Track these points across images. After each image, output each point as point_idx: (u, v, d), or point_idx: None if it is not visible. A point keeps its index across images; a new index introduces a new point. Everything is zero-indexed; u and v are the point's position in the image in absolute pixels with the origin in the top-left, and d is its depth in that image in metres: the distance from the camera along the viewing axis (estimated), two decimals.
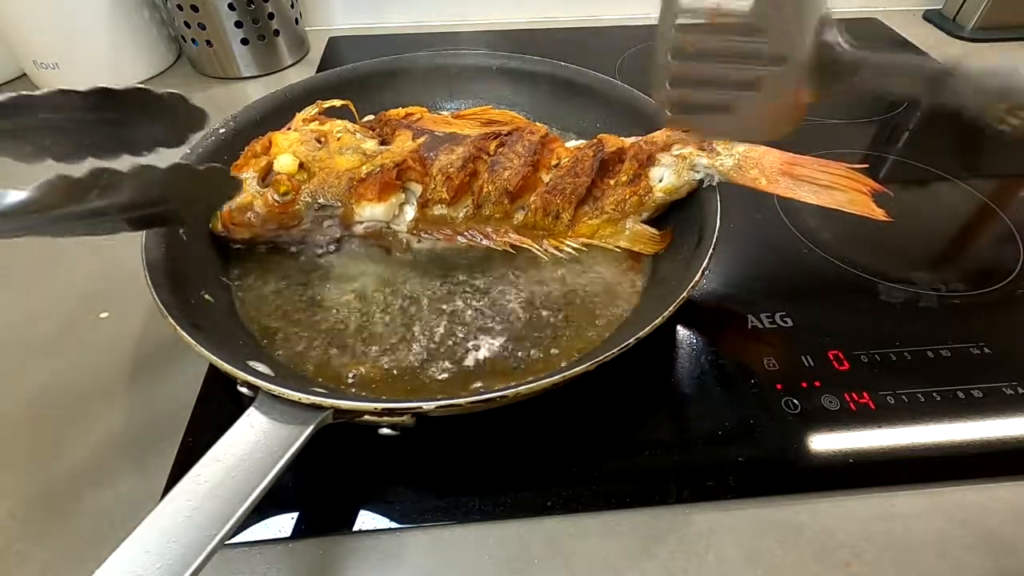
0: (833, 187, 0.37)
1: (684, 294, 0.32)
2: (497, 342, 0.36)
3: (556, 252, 0.40)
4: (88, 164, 0.28)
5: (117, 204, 0.27)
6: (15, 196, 0.23)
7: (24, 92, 0.26)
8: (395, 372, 0.35)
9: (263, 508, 0.30)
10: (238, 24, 0.66)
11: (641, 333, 0.30)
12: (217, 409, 0.35)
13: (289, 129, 0.42)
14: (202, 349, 0.28)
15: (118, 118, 0.29)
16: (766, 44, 0.30)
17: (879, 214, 0.36)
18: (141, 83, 0.67)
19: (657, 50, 0.34)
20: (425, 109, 0.47)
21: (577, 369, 0.28)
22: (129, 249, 0.34)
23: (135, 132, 0.30)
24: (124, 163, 0.30)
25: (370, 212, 0.39)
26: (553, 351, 0.36)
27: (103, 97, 0.28)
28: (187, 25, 0.65)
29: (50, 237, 0.27)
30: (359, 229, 0.40)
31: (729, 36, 0.32)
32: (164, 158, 0.30)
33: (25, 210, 0.24)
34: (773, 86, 0.32)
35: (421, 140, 0.41)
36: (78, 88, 0.27)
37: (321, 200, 0.39)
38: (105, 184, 0.26)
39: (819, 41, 0.29)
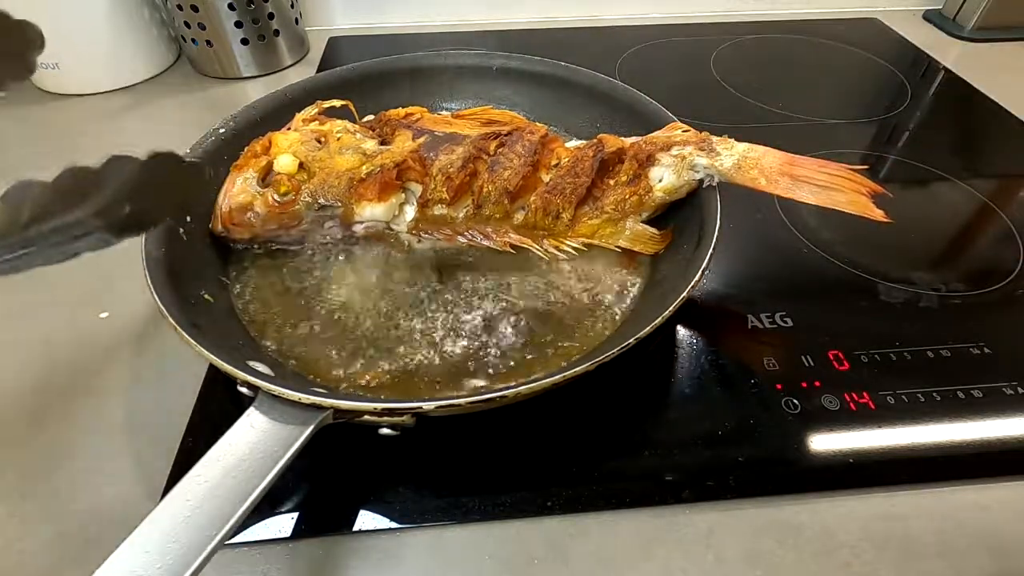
0: (832, 188, 0.37)
1: (684, 294, 0.32)
2: (497, 342, 0.36)
3: (556, 252, 0.40)
4: None
5: (97, 209, 0.23)
6: None
7: None
8: (395, 372, 0.35)
9: (263, 508, 0.30)
10: (238, 24, 0.66)
11: (641, 333, 0.30)
12: (217, 409, 0.35)
13: (289, 129, 0.42)
14: (202, 349, 0.28)
15: None
16: None
17: (878, 215, 0.36)
18: (142, 83, 0.68)
19: None
20: (425, 109, 0.47)
21: (577, 369, 0.28)
22: (129, 249, 0.33)
23: None
24: None
25: (370, 212, 0.39)
26: (553, 351, 0.36)
27: None
28: (187, 25, 0.65)
29: (22, 271, 0.22)
30: (359, 229, 0.40)
31: None
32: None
33: None
34: None
35: (421, 140, 0.41)
36: None
37: (321, 200, 0.39)
38: (82, 186, 0.22)
39: None
